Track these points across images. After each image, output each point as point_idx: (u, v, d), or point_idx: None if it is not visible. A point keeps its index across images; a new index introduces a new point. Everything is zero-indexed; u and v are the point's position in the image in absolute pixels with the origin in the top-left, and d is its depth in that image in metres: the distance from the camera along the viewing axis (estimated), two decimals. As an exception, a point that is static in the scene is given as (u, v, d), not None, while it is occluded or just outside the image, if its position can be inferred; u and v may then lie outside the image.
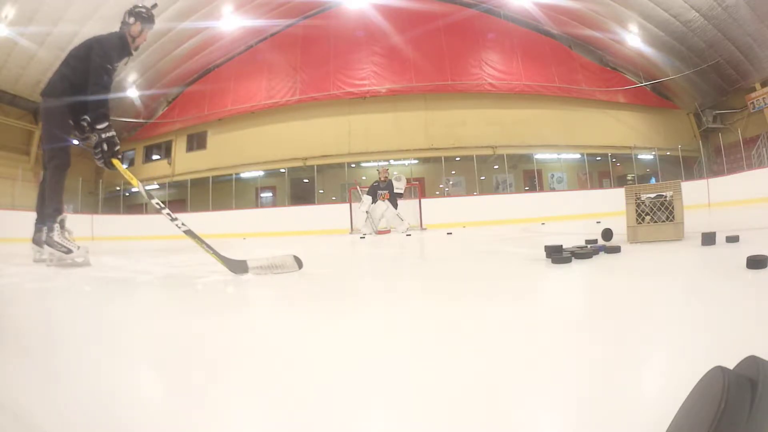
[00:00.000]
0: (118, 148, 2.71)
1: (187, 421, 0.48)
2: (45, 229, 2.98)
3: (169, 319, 1.12)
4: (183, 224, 2.20)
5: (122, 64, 2.90)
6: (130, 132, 17.04)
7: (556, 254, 1.79)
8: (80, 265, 2.62)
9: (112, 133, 2.68)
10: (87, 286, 1.82)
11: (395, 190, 8.47)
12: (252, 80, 16.27)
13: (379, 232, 8.32)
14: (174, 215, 2.28)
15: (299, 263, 1.89)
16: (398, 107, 15.43)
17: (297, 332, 0.89)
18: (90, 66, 2.66)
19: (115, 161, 2.68)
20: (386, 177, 8.71)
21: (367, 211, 8.42)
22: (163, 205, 2.33)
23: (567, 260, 1.74)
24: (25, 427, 0.48)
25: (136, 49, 2.92)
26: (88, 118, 2.70)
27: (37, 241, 2.95)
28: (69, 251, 2.60)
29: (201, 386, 0.59)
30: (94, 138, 2.66)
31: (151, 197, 2.50)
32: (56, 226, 2.68)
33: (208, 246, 2.08)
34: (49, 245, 2.59)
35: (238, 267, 1.89)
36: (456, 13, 15.67)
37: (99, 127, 2.64)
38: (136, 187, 2.58)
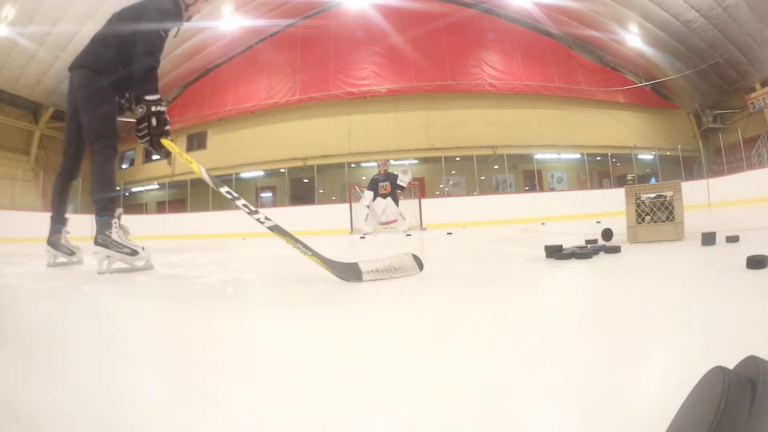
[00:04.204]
0: (168, 126, 2.28)
1: (188, 421, 0.48)
2: (63, 230, 2.70)
3: (169, 319, 1.12)
4: (267, 219, 1.79)
5: (172, 36, 2.44)
6: (129, 132, 17.05)
7: (557, 252, 1.79)
8: (143, 269, 2.24)
9: (164, 108, 2.25)
10: (86, 286, 1.82)
11: (398, 182, 8.30)
12: (252, 80, 16.28)
13: (384, 223, 8.21)
14: (253, 209, 1.87)
15: (420, 264, 1.60)
16: (398, 107, 15.44)
17: (297, 332, 0.89)
18: (140, 29, 2.25)
19: (165, 141, 2.25)
20: (386, 170, 8.61)
21: (368, 206, 8.32)
22: (236, 195, 1.91)
23: (567, 257, 1.74)
24: (25, 427, 0.48)
25: (189, 19, 2.50)
26: (134, 90, 2.29)
27: (53, 243, 2.70)
28: (134, 252, 2.20)
29: (201, 386, 0.59)
30: (138, 111, 2.20)
31: (219, 185, 1.93)
32: (114, 221, 2.26)
33: (306, 247, 1.67)
34: (105, 246, 2.16)
35: (349, 273, 1.54)
36: (456, 13, 15.68)
37: (149, 98, 2.20)
38: (198, 173, 2.04)
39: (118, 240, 2.23)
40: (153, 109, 2.20)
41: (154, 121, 2.20)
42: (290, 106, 15.69)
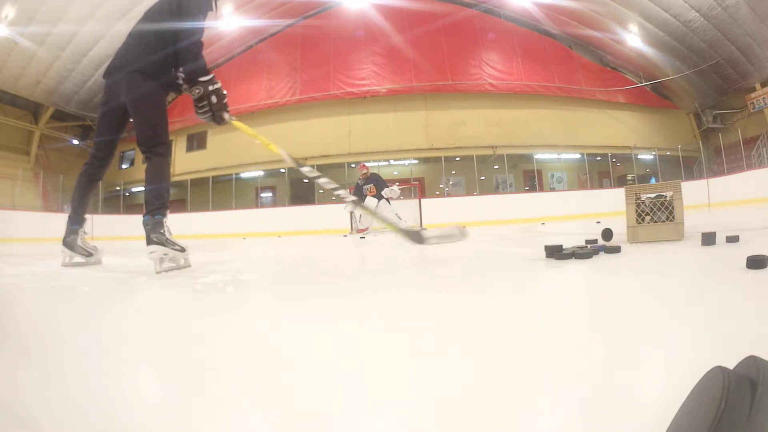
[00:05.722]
0: (226, 100, 2.38)
1: (188, 421, 0.48)
2: (80, 231, 2.62)
3: (170, 318, 1.12)
4: (348, 195, 2.24)
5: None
6: (130, 132, 17.03)
7: (557, 252, 1.80)
8: (185, 266, 2.29)
9: (219, 84, 2.36)
10: (86, 286, 1.82)
11: (383, 192, 8.22)
12: (252, 80, 16.27)
13: (360, 230, 8.17)
14: (335, 187, 2.19)
15: (464, 233, 2.03)
16: (398, 107, 15.43)
17: (297, 332, 0.89)
18: (179, 18, 2.27)
19: (238, 123, 2.42)
20: (365, 173, 8.49)
21: (351, 212, 8.28)
22: (319, 173, 2.25)
23: (567, 257, 1.75)
24: (26, 427, 0.48)
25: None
26: (185, 74, 2.35)
27: (69, 244, 2.61)
28: (183, 249, 2.27)
29: (201, 386, 0.59)
30: (195, 92, 2.32)
31: (300, 165, 2.32)
32: (166, 221, 2.31)
33: (384, 218, 2.26)
34: (162, 244, 2.19)
35: (416, 237, 1.96)
36: (456, 13, 15.67)
37: (203, 80, 2.31)
38: (273, 149, 2.36)
39: (170, 238, 2.24)
40: (210, 88, 2.31)
41: (214, 99, 2.33)
42: (290, 106, 15.68)
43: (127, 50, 2.39)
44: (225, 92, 2.39)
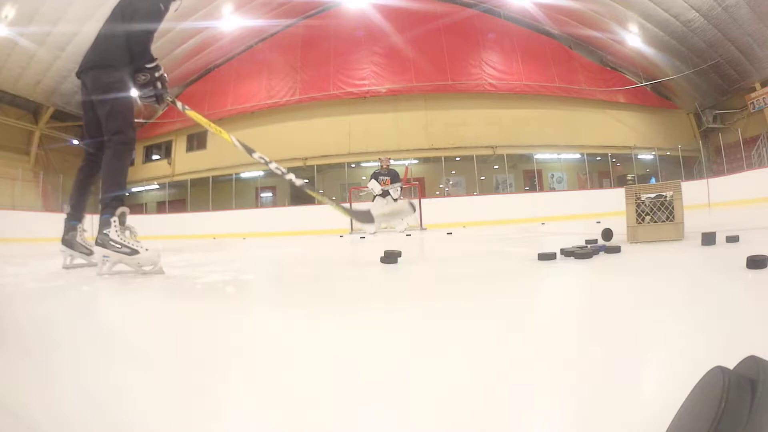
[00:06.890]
0: (167, 84, 2.49)
1: (187, 421, 0.48)
2: (79, 227, 2.54)
3: (169, 319, 1.12)
4: (296, 179, 2.30)
5: (173, 10, 2.44)
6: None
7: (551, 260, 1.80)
8: (150, 273, 2.08)
9: (162, 70, 2.44)
10: (86, 286, 1.82)
11: (390, 189, 8.43)
12: (252, 80, 16.27)
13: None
14: (283, 169, 2.30)
15: (413, 207, 2.15)
16: (398, 107, 15.43)
17: (297, 332, 0.89)
18: (139, 8, 2.27)
19: (192, 113, 2.53)
20: (388, 165, 8.73)
21: (380, 194, 8.39)
22: (267, 159, 2.31)
23: (568, 256, 1.75)
24: (25, 427, 0.48)
25: None
26: (134, 61, 2.35)
27: (68, 242, 2.51)
28: (133, 252, 2.05)
29: (201, 386, 0.59)
30: (142, 78, 2.37)
31: (251, 151, 2.34)
32: (114, 220, 2.12)
33: (330, 199, 2.36)
34: (103, 245, 2.03)
35: (364, 217, 2.11)
36: (456, 13, 15.68)
37: (150, 66, 2.37)
38: (225, 137, 2.45)
39: (116, 239, 2.08)
40: (156, 74, 2.42)
41: (159, 85, 2.44)
42: (290, 106, 15.68)
43: (95, 46, 2.38)
44: (166, 76, 2.49)
